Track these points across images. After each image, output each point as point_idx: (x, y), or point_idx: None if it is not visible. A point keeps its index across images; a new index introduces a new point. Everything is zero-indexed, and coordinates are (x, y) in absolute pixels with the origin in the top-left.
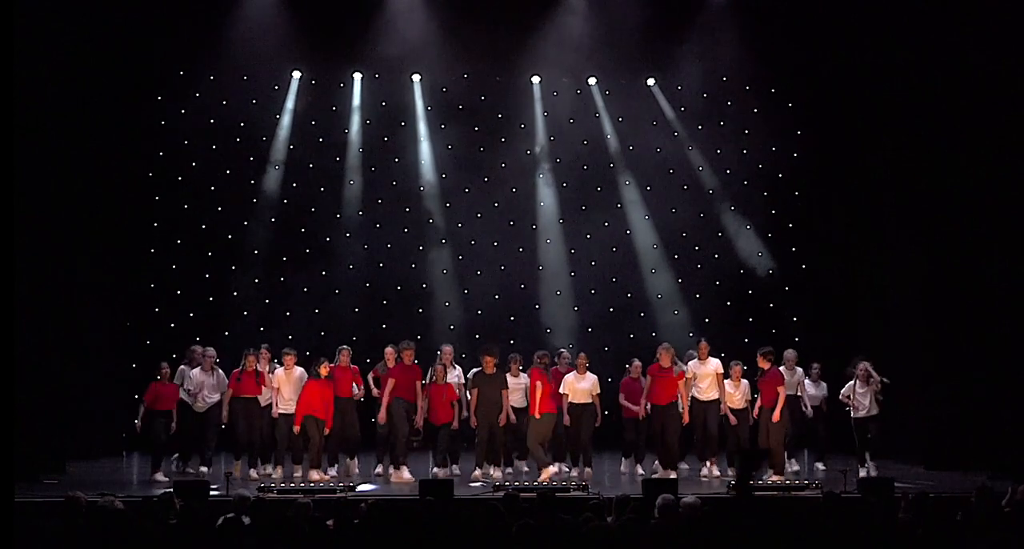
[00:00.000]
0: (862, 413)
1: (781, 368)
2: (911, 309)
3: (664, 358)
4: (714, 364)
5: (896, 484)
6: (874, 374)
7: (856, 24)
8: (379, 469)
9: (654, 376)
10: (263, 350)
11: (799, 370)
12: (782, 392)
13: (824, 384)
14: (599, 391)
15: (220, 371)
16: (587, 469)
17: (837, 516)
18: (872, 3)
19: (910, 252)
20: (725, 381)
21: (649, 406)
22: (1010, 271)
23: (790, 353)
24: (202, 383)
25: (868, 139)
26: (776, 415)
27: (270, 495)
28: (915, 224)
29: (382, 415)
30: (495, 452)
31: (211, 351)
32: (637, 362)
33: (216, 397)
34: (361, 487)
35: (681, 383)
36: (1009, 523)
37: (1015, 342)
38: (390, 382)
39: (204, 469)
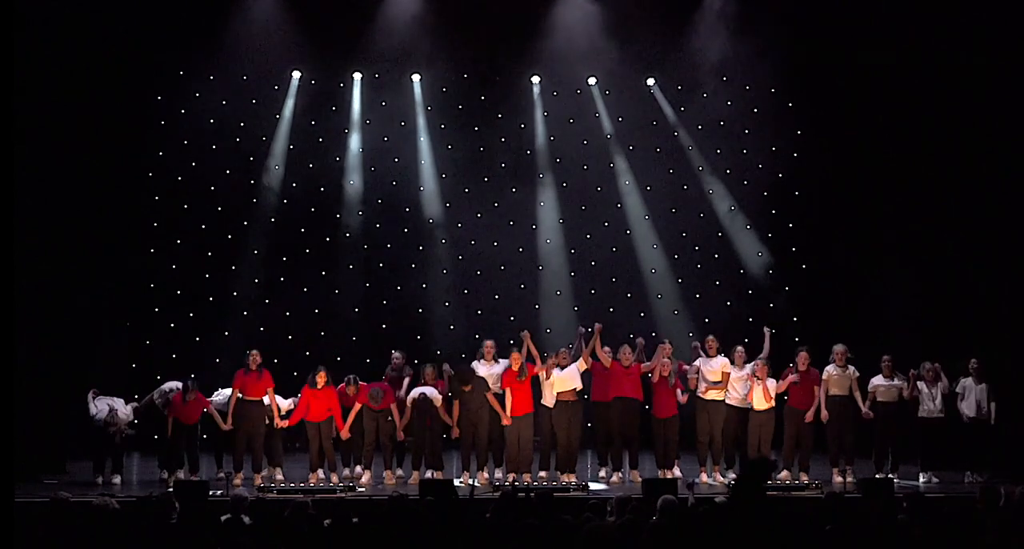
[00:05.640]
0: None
1: (831, 366)
2: (911, 309)
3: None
4: (720, 362)
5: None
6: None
7: (857, 24)
8: (358, 469)
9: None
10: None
11: (851, 367)
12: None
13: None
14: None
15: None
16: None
17: (837, 516)
18: (872, 3)
19: (910, 252)
20: (747, 381)
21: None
22: (1010, 271)
23: (839, 347)
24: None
25: (868, 139)
26: (810, 415)
27: (269, 495)
28: (915, 224)
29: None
30: (480, 455)
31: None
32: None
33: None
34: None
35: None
36: (1009, 523)
37: (1015, 342)
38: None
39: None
